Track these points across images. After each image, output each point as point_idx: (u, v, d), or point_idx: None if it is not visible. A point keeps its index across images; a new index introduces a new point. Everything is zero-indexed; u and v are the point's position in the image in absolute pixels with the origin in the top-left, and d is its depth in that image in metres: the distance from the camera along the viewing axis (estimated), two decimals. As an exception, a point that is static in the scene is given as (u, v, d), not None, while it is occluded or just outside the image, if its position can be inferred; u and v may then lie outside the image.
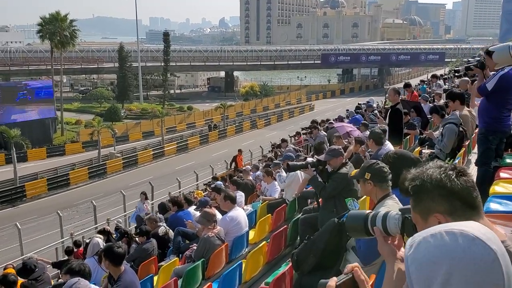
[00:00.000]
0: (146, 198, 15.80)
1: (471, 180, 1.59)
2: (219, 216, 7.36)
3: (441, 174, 1.57)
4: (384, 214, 1.98)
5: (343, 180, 5.59)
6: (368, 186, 3.68)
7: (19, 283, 6.68)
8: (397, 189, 3.69)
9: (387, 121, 9.23)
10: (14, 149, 33.05)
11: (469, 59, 9.77)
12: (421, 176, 1.60)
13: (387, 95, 16.24)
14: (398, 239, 1.99)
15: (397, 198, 3.62)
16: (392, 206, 3.52)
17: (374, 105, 19.24)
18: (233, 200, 7.15)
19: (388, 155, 4.15)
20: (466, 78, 9.25)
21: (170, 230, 8.64)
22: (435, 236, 1.22)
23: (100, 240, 9.39)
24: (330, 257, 3.70)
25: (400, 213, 1.96)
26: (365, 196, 5.35)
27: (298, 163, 6.66)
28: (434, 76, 20.53)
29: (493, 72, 5.10)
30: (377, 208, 3.56)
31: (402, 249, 1.96)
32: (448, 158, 6.88)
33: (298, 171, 7.74)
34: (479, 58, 5.37)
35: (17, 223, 17.97)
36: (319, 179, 5.85)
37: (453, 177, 1.56)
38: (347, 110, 25.30)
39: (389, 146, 7.37)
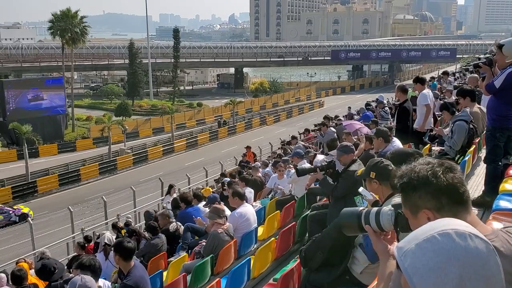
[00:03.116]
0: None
1: (458, 176, 1.59)
2: (228, 212, 7.39)
3: (428, 171, 1.58)
4: (377, 210, 1.98)
5: (353, 178, 5.57)
6: (374, 185, 3.68)
7: (41, 286, 6.62)
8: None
9: (395, 119, 9.17)
10: (25, 145, 33.41)
11: (480, 56, 9.69)
12: (408, 173, 1.62)
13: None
14: (391, 234, 2.00)
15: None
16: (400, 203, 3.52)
17: (385, 101, 19.10)
18: (241, 197, 7.17)
19: (386, 156, 4.17)
20: (475, 75, 9.18)
21: (182, 227, 8.67)
22: (430, 241, 1.18)
23: (108, 234, 9.46)
24: (337, 254, 3.71)
25: (392, 208, 1.96)
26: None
27: (307, 167, 6.59)
28: (445, 73, 20.37)
29: (502, 70, 5.05)
30: (384, 206, 3.56)
31: (395, 242, 1.97)
32: (458, 156, 6.84)
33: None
34: (489, 55, 5.31)
35: (29, 218, 18.19)
36: (329, 181, 5.83)
37: (439, 173, 1.56)
38: (349, 107, 25.34)
39: (396, 142, 7.34)
